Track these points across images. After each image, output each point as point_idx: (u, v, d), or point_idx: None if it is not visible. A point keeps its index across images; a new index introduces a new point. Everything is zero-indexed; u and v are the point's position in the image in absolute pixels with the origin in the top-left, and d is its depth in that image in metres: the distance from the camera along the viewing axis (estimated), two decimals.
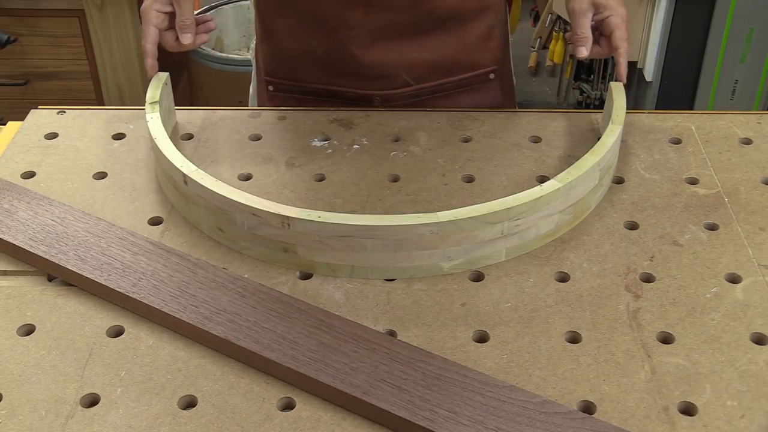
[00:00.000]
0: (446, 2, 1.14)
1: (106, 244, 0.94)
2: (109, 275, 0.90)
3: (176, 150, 1.00)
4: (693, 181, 1.07)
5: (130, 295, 0.88)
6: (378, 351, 0.82)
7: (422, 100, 1.22)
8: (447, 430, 0.75)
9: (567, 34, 1.15)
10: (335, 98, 1.22)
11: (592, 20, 1.09)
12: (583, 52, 1.09)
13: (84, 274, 0.90)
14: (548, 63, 3.10)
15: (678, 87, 2.30)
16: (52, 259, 0.92)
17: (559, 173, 0.96)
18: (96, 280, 0.90)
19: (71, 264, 0.91)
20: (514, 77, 1.32)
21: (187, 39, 1.14)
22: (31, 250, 0.93)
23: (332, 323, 0.85)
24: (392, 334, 0.87)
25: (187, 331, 0.86)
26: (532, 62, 3.27)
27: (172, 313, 0.86)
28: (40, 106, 1.22)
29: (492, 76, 1.24)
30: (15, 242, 0.95)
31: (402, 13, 1.13)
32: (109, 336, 0.87)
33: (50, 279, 0.94)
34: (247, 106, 1.33)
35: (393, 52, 1.16)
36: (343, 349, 0.82)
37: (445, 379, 0.80)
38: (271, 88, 1.25)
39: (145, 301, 0.87)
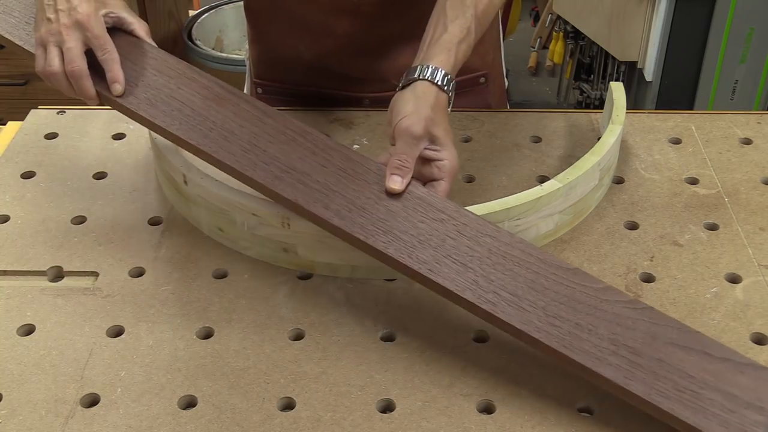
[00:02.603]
0: (432, 8, 1.13)
1: (175, 85, 0.92)
2: (180, 124, 0.88)
3: (176, 150, 1.00)
4: (693, 181, 1.07)
5: (201, 148, 0.87)
6: (446, 222, 0.81)
7: None
8: (507, 316, 0.75)
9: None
10: (324, 100, 1.22)
11: (421, 151, 0.87)
12: (397, 185, 0.84)
13: (155, 121, 0.89)
14: (548, 63, 3.10)
15: (678, 87, 2.29)
16: (123, 104, 0.91)
17: (559, 173, 0.96)
18: (168, 128, 0.88)
19: (142, 110, 0.91)
20: (506, 80, 1.32)
21: (119, 90, 0.93)
22: (104, 94, 0.92)
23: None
24: (392, 334, 0.87)
25: (257, 187, 0.85)
26: (532, 62, 3.27)
27: (243, 171, 0.84)
28: (40, 106, 1.22)
29: (482, 80, 1.23)
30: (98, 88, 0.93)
31: (390, 22, 1.12)
32: (109, 336, 0.87)
33: (50, 279, 0.94)
34: None
35: (381, 57, 1.16)
36: (411, 219, 0.81)
37: (510, 257, 0.79)
38: (260, 90, 1.25)
39: (217, 156, 0.86)
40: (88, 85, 0.92)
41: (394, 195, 0.84)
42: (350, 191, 0.83)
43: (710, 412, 0.71)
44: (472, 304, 0.77)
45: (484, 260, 0.79)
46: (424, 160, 0.88)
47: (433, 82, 0.88)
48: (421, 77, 0.88)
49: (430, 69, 0.88)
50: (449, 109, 0.90)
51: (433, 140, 0.87)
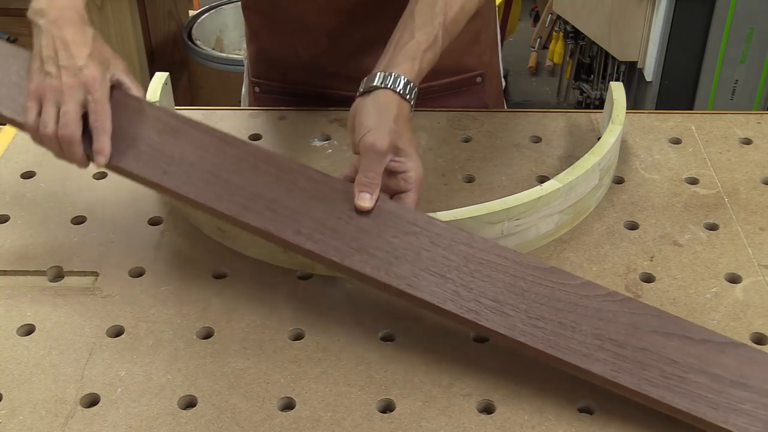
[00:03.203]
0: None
1: (127, 122, 0.89)
2: (137, 161, 0.86)
3: None
4: (693, 181, 1.07)
5: (162, 183, 0.85)
6: (419, 235, 0.81)
7: None
8: (491, 323, 0.76)
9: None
10: (322, 100, 1.21)
11: (387, 164, 0.86)
12: (367, 202, 0.83)
13: (111, 162, 0.86)
14: (548, 63, 3.10)
15: (678, 87, 2.29)
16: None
17: (559, 173, 0.96)
18: (124, 167, 0.86)
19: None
20: (503, 80, 1.32)
21: (102, 162, 0.87)
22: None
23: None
24: (392, 334, 0.87)
25: (225, 219, 0.84)
26: (532, 62, 3.27)
27: (209, 204, 0.83)
28: None
29: (479, 79, 1.23)
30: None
31: (387, 22, 1.12)
32: (109, 336, 0.87)
33: (50, 279, 0.94)
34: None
35: (378, 57, 1.16)
36: (384, 235, 0.81)
37: (486, 263, 0.80)
38: (257, 89, 1.25)
39: (180, 192, 0.84)
40: (80, 151, 0.86)
41: (364, 212, 0.83)
42: (319, 213, 0.82)
43: (698, 394, 0.73)
44: (455, 314, 0.77)
45: (461, 269, 0.79)
46: (390, 173, 0.86)
47: (395, 91, 0.86)
48: (383, 85, 0.86)
49: (392, 77, 0.86)
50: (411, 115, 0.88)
51: (397, 152, 0.85)
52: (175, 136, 0.88)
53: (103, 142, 0.86)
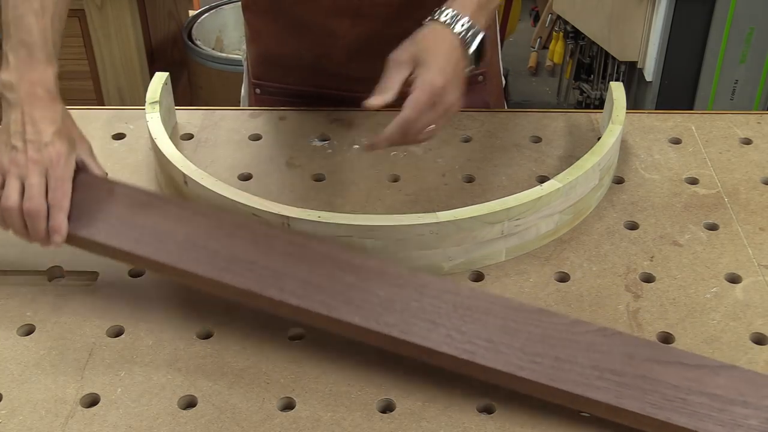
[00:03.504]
0: (434, 8, 1.13)
1: (95, 200, 0.88)
2: (108, 232, 0.85)
3: (176, 150, 1.00)
4: (693, 181, 1.07)
5: (136, 252, 0.83)
6: (406, 287, 0.81)
7: None
8: (488, 361, 0.76)
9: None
10: (323, 100, 1.21)
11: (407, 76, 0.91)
12: (373, 102, 0.89)
13: (78, 233, 0.85)
14: (548, 63, 3.10)
15: (678, 87, 2.29)
16: None
17: (559, 173, 0.96)
18: (94, 239, 0.85)
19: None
20: (503, 79, 1.32)
21: (57, 241, 0.86)
22: None
23: (354, 262, 0.83)
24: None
25: (204, 284, 0.83)
26: (532, 62, 3.27)
27: (186, 269, 0.82)
28: None
29: (481, 78, 1.23)
30: None
31: (390, 23, 1.12)
32: (109, 336, 0.87)
33: (50, 279, 0.94)
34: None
35: (381, 58, 1.15)
36: (371, 289, 0.81)
37: (476, 308, 0.80)
38: (258, 90, 1.25)
39: (154, 258, 0.83)
40: (43, 224, 0.85)
41: (347, 269, 0.82)
42: (302, 272, 0.82)
43: (703, 414, 0.73)
44: (450, 356, 0.77)
45: (451, 315, 0.79)
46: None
47: (435, 20, 0.91)
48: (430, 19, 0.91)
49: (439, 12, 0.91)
50: (460, 41, 0.90)
51: (416, 63, 0.88)
52: (146, 209, 0.87)
53: (60, 220, 0.85)
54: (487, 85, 1.24)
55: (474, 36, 0.91)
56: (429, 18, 0.92)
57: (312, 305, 0.79)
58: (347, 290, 0.80)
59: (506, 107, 1.32)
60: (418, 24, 1.12)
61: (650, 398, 0.74)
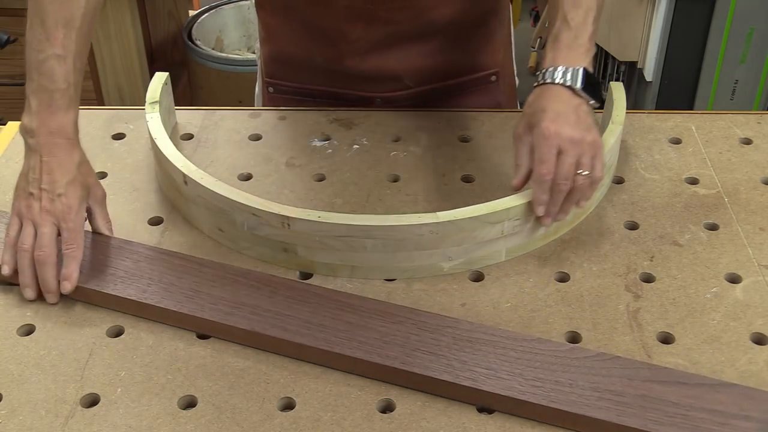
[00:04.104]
0: (447, 12, 1.13)
1: (103, 255, 0.93)
2: (116, 285, 0.89)
3: (176, 150, 1.00)
4: (693, 181, 1.07)
5: (143, 301, 0.87)
6: (405, 323, 0.84)
7: (423, 102, 1.22)
8: (490, 387, 0.77)
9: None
10: (336, 99, 1.22)
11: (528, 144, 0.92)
12: (515, 183, 0.92)
13: (88, 287, 0.89)
14: None
15: (678, 87, 2.30)
16: None
17: None
18: (103, 291, 0.88)
19: None
20: (516, 78, 1.32)
21: (67, 289, 0.88)
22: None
23: (353, 302, 0.86)
24: None
25: (210, 328, 0.86)
26: (532, 62, 3.27)
27: (191, 314, 0.85)
28: None
29: (494, 78, 1.24)
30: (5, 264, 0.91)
31: (404, 26, 1.12)
32: (109, 336, 0.87)
33: None
34: (246, 105, 1.32)
35: (394, 58, 1.16)
36: (370, 326, 0.84)
37: (475, 340, 0.82)
38: (271, 89, 1.25)
39: (160, 305, 0.86)
40: (51, 275, 0.88)
41: (347, 309, 0.86)
42: (304, 313, 0.85)
43: (705, 429, 0.74)
44: (452, 384, 0.79)
45: (451, 347, 0.82)
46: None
47: (551, 83, 0.92)
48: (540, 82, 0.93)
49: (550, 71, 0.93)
50: (577, 95, 0.92)
51: (532, 128, 0.91)
52: (151, 263, 0.91)
53: (72, 269, 0.88)
54: (499, 85, 1.25)
55: (575, 76, 0.92)
56: (534, 84, 0.93)
57: (315, 342, 0.82)
58: (349, 328, 0.84)
59: (519, 107, 1.33)
60: (430, 24, 1.12)
61: (651, 416, 0.75)
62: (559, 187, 0.89)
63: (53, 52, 0.91)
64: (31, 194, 0.90)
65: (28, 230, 0.89)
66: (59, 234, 0.89)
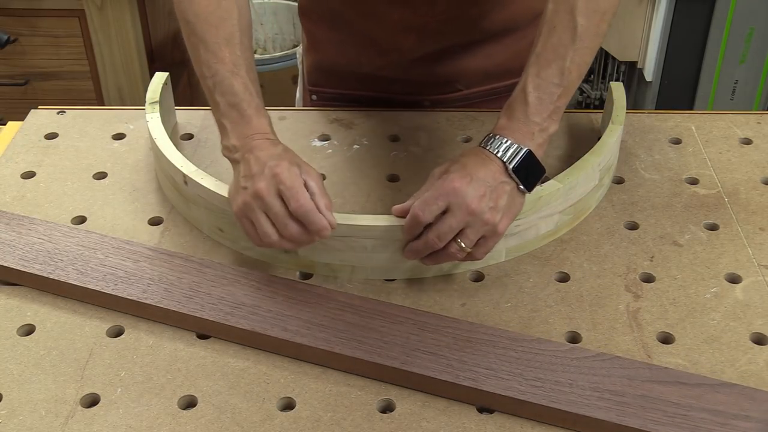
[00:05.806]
0: (500, 18, 1.12)
1: (103, 255, 0.93)
2: (116, 285, 0.89)
3: (176, 150, 1.00)
4: (693, 181, 1.07)
5: (143, 301, 0.87)
6: (405, 323, 0.84)
7: (472, 103, 1.21)
8: (490, 387, 0.78)
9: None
10: (382, 103, 1.21)
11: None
12: (394, 208, 0.89)
13: (89, 286, 0.89)
14: None
15: (678, 87, 2.29)
16: (51, 276, 0.90)
17: (559, 173, 0.96)
18: (103, 290, 0.88)
19: (72, 278, 0.90)
20: None
21: (325, 233, 0.85)
22: (25, 270, 0.91)
23: (353, 303, 0.87)
24: None
25: (210, 328, 0.86)
26: None
27: (191, 314, 0.85)
28: (40, 106, 1.22)
29: None
30: (4, 263, 0.91)
31: (455, 35, 1.12)
32: (109, 336, 0.87)
33: None
34: None
35: (445, 64, 1.15)
36: (371, 326, 0.84)
37: (475, 340, 0.82)
38: (314, 97, 1.24)
39: (161, 305, 0.86)
40: (318, 217, 0.83)
41: (347, 309, 0.85)
42: (305, 314, 0.85)
43: (705, 428, 0.75)
44: (452, 384, 0.79)
45: (451, 347, 0.82)
46: None
47: (489, 150, 0.87)
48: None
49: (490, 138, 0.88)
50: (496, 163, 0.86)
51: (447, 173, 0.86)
52: (151, 263, 0.92)
53: (317, 220, 0.83)
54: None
55: (514, 155, 0.85)
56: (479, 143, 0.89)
57: (315, 342, 0.82)
58: (349, 328, 0.84)
59: None
60: (482, 32, 1.11)
61: (651, 416, 0.75)
62: (428, 240, 0.85)
63: (226, 70, 0.91)
64: (245, 188, 0.85)
65: (260, 221, 0.84)
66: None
